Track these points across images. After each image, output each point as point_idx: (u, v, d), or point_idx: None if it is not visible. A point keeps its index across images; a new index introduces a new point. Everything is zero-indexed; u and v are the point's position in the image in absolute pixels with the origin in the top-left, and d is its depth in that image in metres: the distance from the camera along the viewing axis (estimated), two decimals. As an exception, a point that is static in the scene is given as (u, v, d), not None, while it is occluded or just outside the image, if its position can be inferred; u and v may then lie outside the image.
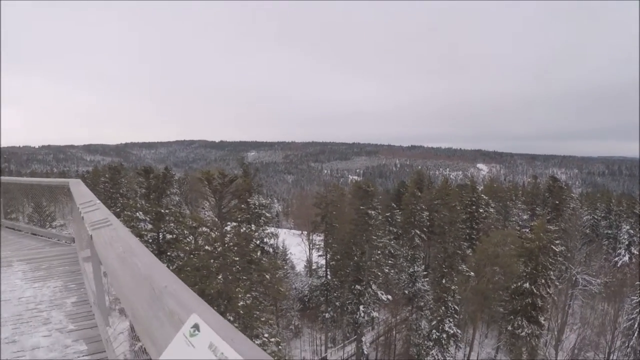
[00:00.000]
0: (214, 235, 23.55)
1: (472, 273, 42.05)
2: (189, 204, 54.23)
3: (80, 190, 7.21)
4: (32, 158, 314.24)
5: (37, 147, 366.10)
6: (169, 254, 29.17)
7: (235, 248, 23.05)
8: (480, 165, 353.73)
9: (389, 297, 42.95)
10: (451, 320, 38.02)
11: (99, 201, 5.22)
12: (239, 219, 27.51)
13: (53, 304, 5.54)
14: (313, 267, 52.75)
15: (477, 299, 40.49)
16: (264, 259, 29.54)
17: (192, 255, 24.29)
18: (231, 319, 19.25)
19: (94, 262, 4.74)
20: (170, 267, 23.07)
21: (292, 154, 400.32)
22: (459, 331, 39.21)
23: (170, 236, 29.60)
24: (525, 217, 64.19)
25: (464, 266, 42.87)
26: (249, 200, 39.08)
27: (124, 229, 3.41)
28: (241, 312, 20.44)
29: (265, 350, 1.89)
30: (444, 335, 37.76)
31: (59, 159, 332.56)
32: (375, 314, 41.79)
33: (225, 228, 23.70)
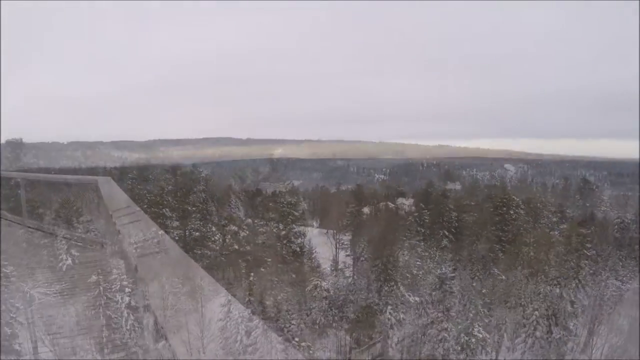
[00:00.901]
0: (243, 234, 23.24)
1: (503, 276, 41.23)
2: (215, 202, 54.21)
3: (111, 192, 6.55)
4: (60, 154, 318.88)
5: (66, 143, 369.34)
6: (195, 251, 28.97)
7: (266, 248, 22.74)
8: (507, 166, 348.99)
9: (417, 298, 42.28)
10: (480, 324, 37.15)
11: (137, 208, 4.52)
12: (270, 217, 27.28)
13: (80, 327, 4.86)
14: (339, 267, 52.35)
15: (507, 302, 39.66)
16: (292, 258, 29.24)
17: (221, 255, 24.06)
18: (263, 320, 18.90)
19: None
20: (199, 264, 22.78)
21: (319, 151, 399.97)
22: (487, 335, 38.31)
23: (197, 234, 29.42)
24: (554, 219, 62.74)
25: (494, 269, 42.06)
26: (277, 199, 38.89)
27: (185, 258, 2.30)
28: (272, 314, 20.10)
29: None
30: (473, 340, 36.88)
31: (87, 155, 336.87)
32: (402, 315, 41.22)
33: (257, 228, 23.44)
